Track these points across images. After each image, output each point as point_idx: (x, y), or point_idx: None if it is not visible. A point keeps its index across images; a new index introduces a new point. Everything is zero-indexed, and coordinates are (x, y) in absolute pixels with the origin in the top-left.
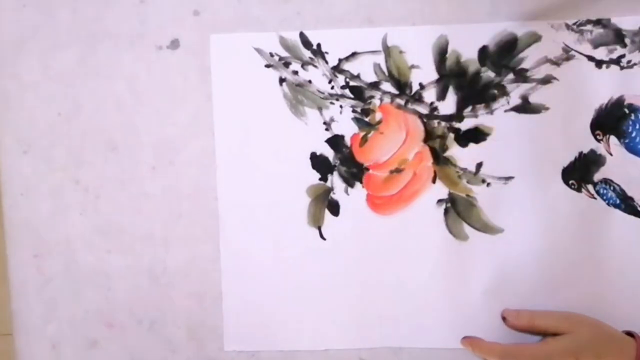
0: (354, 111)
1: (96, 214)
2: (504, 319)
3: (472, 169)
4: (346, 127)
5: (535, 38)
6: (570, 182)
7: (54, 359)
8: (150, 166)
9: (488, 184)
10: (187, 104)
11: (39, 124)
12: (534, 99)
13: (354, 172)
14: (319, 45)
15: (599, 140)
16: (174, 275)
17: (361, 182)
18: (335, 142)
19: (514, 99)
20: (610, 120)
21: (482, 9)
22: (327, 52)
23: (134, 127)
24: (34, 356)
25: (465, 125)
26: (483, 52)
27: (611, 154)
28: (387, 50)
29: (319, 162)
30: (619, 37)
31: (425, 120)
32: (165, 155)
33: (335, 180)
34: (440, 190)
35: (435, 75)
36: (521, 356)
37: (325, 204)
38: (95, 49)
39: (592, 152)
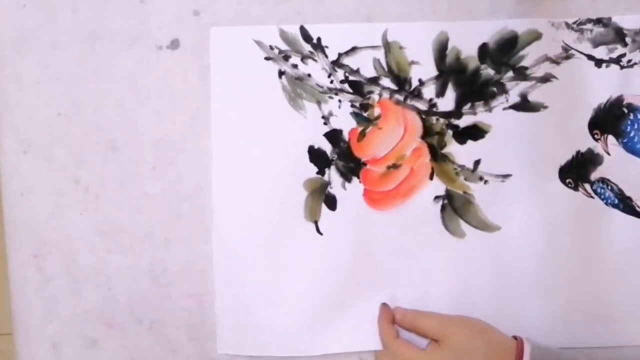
0: (352, 106)
1: (96, 214)
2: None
3: (470, 166)
4: (344, 121)
5: (535, 36)
6: (567, 180)
7: (54, 359)
8: (150, 166)
9: (486, 182)
10: (187, 104)
11: (39, 124)
12: (533, 97)
13: (352, 167)
14: (319, 39)
15: (596, 140)
16: (174, 275)
17: (358, 177)
18: (333, 136)
19: (513, 97)
20: (608, 119)
21: (482, 8)
22: (327, 47)
23: (134, 127)
24: (34, 356)
25: (463, 122)
26: (483, 49)
27: (609, 154)
28: (387, 45)
29: (316, 156)
30: (619, 36)
31: (423, 116)
32: (165, 155)
33: (332, 175)
34: (438, 186)
35: (434, 72)
36: (398, 355)
37: (322, 198)
38: (95, 49)
39: (590, 151)
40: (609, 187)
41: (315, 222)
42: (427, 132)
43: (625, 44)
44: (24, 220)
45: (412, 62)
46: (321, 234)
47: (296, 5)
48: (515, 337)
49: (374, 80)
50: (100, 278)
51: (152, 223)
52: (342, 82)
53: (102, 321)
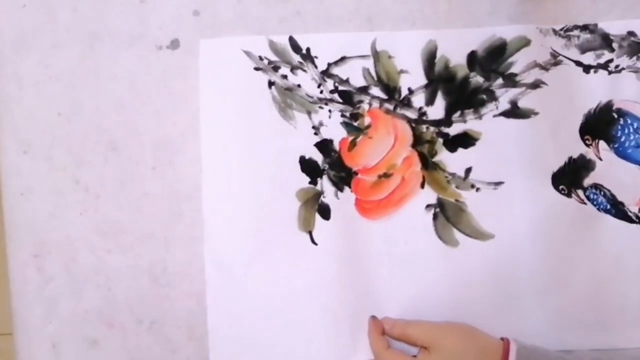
0: (342, 115)
1: (96, 214)
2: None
3: (461, 174)
4: (335, 131)
5: (524, 43)
6: (561, 187)
7: (54, 359)
8: (150, 166)
9: (477, 189)
10: (187, 104)
11: (39, 124)
12: (522, 103)
13: (343, 177)
14: (308, 49)
15: (588, 145)
16: (173, 275)
17: (350, 187)
18: (324, 146)
19: (503, 104)
20: (599, 125)
21: (482, 8)
22: (316, 57)
23: (134, 127)
24: (34, 356)
25: (453, 130)
26: (472, 57)
27: (600, 159)
28: (376, 55)
29: (307, 166)
30: (606, 42)
31: (413, 125)
32: (165, 155)
33: (325, 184)
34: (429, 195)
35: (424, 80)
36: None
37: (315, 208)
38: (95, 49)
39: (582, 157)
40: (602, 193)
41: (310, 233)
42: (418, 141)
43: (612, 50)
44: (24, 220)
45: (402, 71)
46: (316, 244)
47: (296, 5)
48: (502, 339)
49: (364, 90)
50: (100, 278)
51: (152, 223)
52: (331, 92)
53: (102, 321)
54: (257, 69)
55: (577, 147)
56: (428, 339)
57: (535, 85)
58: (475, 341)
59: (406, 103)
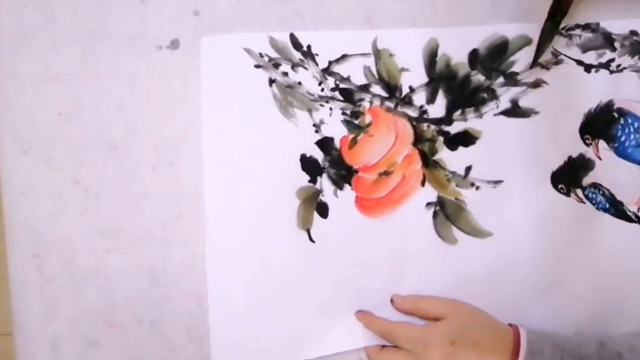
0: (343, 113)
1: (96, 214)
2: (392, 301)
3: (462, 172)
4: (336, 129)
5: (526, 41)
6: (560, 186)
7: (54, 359)
8: (150, 166)
9: (477, 188)
10: (187, 103)
11: (39, 124)
12: (523, 102)
13: (343, 175)
14: (309, 46)
15: (588, 145)
16: (173, 275)
17: (350, 185)
18: (325, 144)
19: (504, 103)
20: (599, 124)
21: (483, 9)
22: (317, 54)
23: (134, 127)
24: (34, 356)
25: (454, 128)
26: (473, 55)
27: (600, 158)
28: (377, 53)
29: (308, 164)
30: (608, 41)
31: (414, 123)
32: (165, 155)
33: (324, 182)
34: (429, 193)
35: (425, 79)
36: (400, 336)
37: (314, 206)
38: (95, 48)
39: (581, 156)
40: (601, 192)
41: (308, 230)
42: (418, 139)
43: (614, 49)
44: (24, 220)
45: (403, 69)
46: (313, 241)
47: (296, 5)
48: (510, 325)
49: (365, 88)
50: (100, 278)
51: (152, 223)
52: (332, 89)
53: (102, 321)
54: (257, 66)
55: (576, 147)
56: (441, 311)
57: (536, 84)
58: (485, 319)
59: (407, 101)
